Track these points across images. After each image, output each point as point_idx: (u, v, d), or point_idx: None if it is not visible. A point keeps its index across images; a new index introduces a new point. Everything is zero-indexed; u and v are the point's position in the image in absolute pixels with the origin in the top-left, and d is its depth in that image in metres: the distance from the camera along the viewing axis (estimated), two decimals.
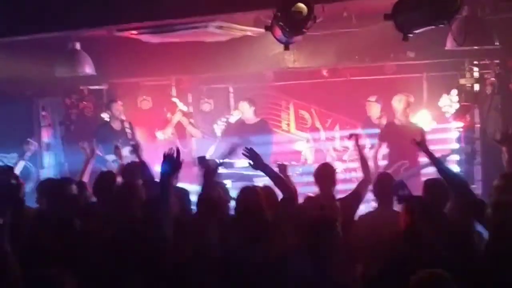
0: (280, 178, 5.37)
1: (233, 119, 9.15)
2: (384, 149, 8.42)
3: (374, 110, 9.06)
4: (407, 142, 5.82)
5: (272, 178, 5.27)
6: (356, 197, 5.81)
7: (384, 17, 5.19)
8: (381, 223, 5.17)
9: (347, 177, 9.38)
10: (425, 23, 5.09)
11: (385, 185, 5.62)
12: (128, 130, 9.13)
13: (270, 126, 9.65)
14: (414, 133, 6.08)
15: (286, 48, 5.96)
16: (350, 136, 6.95)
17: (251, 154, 5.20)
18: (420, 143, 5.38)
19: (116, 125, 9.15)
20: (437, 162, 5.24)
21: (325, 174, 5.95)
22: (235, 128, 9.24)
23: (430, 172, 7.31)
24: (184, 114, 9.74)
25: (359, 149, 6.55)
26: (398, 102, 8.48)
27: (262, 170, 5.22)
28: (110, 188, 5.91)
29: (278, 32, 5.64)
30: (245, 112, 9.17)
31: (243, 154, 5.26)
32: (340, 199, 5.74)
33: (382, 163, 8.48)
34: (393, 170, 7.98)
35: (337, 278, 4.09)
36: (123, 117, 9.19)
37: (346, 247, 4.56)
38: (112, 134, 9.02)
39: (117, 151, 7.85)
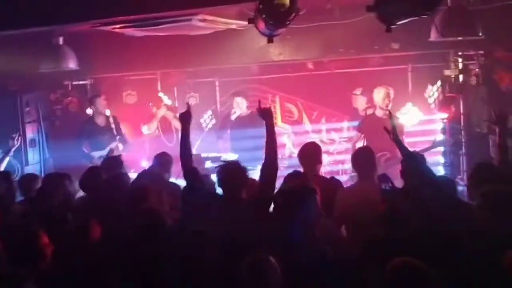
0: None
1: (234, 117, 9.10)
2: (362, 141, 8.41)
3: (360, 102, 9.07)
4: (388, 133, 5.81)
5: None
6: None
7: (366, 9, 5.19)
8: (361, 197, 5.22)
9: (334, 169, 9.42)
10: (408, 14, 5.09)
11: (364, 158, 5.68)
12: (113, 125, 9.06)
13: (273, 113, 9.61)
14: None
15: (270, 41, 5.94)
16: None
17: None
18: (390, 133, 5.25)
19: (100, 121, 9.06)
20: (407, 157, 5.09)
21: (308, 154, 6.02)
22: (229, 120, 9.22)
23: None
24: (169, 108, 9.69)
25: None
26: (377, 94, 8.50)
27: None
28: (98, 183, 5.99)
29: (262, 24, 5.61)
30: (242, 108, 9.13)
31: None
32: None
33: None
34: None
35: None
36: (108, 112, 9.12)
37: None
38: (97, 130, 8.97)
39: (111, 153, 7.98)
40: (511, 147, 5.36)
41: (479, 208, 4.24)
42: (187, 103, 6.13)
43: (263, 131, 8.67)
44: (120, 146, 8.93)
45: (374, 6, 5.18)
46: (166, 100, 9.81)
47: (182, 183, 6.36)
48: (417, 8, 4.86)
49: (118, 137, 8.97)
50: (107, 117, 9.08)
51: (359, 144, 8.46)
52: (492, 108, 5.35)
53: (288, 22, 5.34)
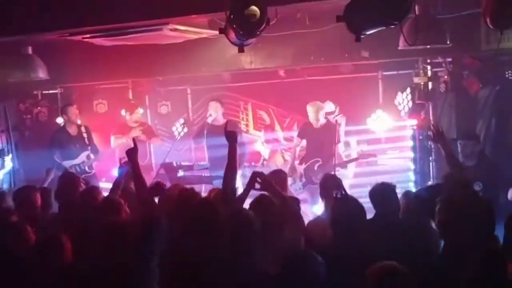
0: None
1: (210, 119, 8.96)
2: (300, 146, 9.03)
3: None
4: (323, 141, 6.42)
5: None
6: None
7: (336, 19, 5.22)
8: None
9: None
10: (377, 24, 5.13)
11: (330, 187, 5.60)
12: (84, 135, 9.01)
13: (240, 127, 9.64)
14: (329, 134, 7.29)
15: (241, 50, 5.92)
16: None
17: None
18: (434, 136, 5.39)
19: (72, 130, 9.00)
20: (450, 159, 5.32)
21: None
22: (205, 130, 8.96)
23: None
24: (144, 130, 9.47)
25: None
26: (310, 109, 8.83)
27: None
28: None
29: (232, 34, 5.62)
30: (218, 112, 8.99)
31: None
32: None
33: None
34: (307, 166, 8.70)
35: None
36: (79, 121, 9.05)
37: None
38: (69, 139, 8.92)
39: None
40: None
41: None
42: (133, 138, 6.07)
43: (241, 139, 8.61)
44: (92, 156, 8.89)
45: (343, 16, 5.21)
46: (139, 110, 9.72)
47: None
48: (385, 18, 4.90)
49: (89, 146, 8.92)
50: (79, 126, 9.02)
51: (298, 150, 9.02)
52: (429, 124, 5.52)
53: (258, 33, 5.35)
